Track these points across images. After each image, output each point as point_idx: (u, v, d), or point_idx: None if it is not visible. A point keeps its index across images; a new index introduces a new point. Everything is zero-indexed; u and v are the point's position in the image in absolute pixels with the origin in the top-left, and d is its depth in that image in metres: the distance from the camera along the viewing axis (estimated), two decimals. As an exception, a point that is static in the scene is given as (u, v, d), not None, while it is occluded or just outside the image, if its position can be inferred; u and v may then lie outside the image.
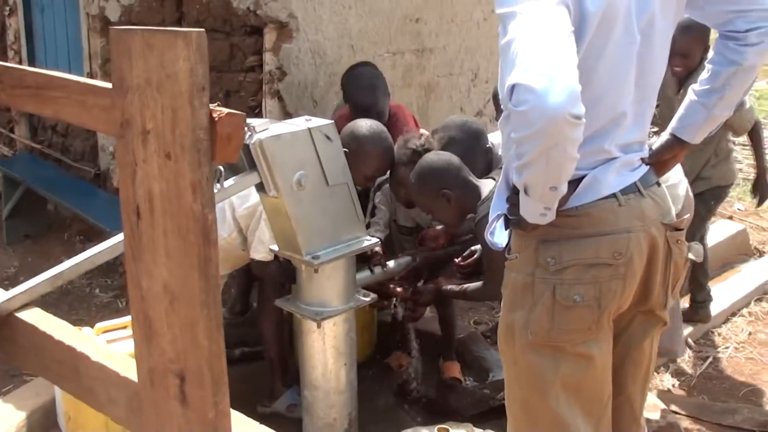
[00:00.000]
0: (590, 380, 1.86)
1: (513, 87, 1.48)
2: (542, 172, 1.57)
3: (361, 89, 3.57)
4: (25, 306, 1.61)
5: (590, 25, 1.64)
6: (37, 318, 1.56)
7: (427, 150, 3.00)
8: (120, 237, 1.59)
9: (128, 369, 1.33)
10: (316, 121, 2.53)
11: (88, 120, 1.22)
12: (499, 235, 1.88)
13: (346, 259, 2.65)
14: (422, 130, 3.40)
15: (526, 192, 1.65)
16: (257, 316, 3.34)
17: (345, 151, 2.66)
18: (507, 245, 1.88)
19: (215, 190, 2.15)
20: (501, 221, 1.85)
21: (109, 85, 1.13)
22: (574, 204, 1.75)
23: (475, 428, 2.74)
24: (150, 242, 1.15)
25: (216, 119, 1.09)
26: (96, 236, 5.27)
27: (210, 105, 1.09)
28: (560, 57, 1.48)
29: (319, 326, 2.64)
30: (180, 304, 1.15)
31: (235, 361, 3.52)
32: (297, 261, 2.58)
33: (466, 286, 2.97)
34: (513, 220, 1.77)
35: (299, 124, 2.49)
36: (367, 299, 2.77)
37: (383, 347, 3.69)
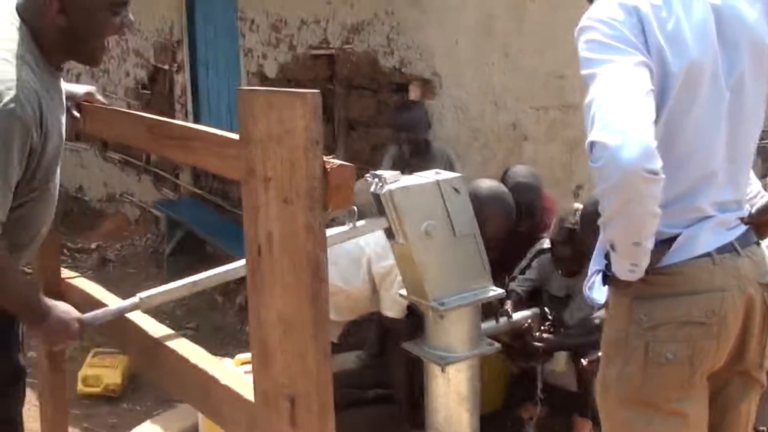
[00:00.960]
0: None
1: (592, 144, 1.58)
2: (623, 228, 1.63)
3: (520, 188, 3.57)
4: (171, 337, 1.82)
5: (674, 84, 1.68)
6: (177, 345, 1.76)
7: None
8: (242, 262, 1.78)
9: (251, 393, 1.46)
10: (445, 174, 2.64)
11: (221, 167, 1.40)
12: (597, 291, 1.90)
13: (471, 307, 2.71)
14: (577, 204, 3.45)
15: (612, 248, 1.70)
16: (388, 357, 3.45)
17: None
18: (606, 301, 1.90)
19: (347, 228, 2.31)
20: (599, 277, 1.87)
21: (237, 137, 1.29)
22: (667, 262, 1.76)
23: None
24: (269, 277, 1.29)
25: (328, 170, 1.22)
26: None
27: (324, 157, 1.23)
28: (635, 114, 1.55)
29: (443, 370, 2.71)
30: (292, 333, 1.28)
31: (369, 403, 3.64)
32: (423, 306, 2.68)
33: None
34: (609, 277, 1.80)
35: (429, 176, 2.61)
36: (492, 348, 2.82)
37: (515, 399, 3.69)
